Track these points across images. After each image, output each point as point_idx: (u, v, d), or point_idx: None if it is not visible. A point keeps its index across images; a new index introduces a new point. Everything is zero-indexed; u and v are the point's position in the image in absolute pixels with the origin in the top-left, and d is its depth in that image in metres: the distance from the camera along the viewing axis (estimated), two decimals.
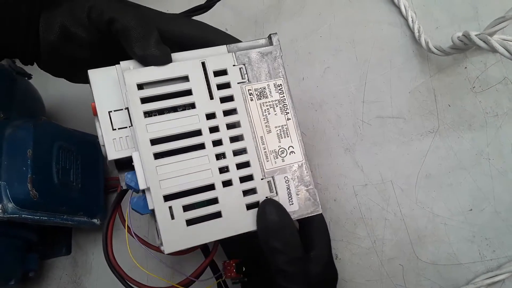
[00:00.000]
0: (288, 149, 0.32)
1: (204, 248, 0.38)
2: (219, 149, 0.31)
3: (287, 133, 0.33)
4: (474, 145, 0.44)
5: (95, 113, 0.31)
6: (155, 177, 0.29)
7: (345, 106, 0.48)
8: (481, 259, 0.41)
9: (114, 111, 0.31)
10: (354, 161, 0.46)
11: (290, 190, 0.32)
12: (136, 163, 0.30)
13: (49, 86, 0.54)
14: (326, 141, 0.48)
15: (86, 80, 0.31)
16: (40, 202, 0.41)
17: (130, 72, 0.31)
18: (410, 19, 0.49)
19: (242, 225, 0.30)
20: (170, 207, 0.29)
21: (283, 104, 0.33)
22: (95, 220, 0.47)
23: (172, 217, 0.29)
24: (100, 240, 0.50)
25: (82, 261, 0.49)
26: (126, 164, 0.31)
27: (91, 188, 0.48)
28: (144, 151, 0.30)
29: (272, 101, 0.33)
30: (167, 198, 0.30)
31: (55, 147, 0.44)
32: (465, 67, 0.47)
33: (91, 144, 0.50)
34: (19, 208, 0.40)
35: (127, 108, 0.31)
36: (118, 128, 0.31)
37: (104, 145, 0.30)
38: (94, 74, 0.31)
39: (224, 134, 0.31)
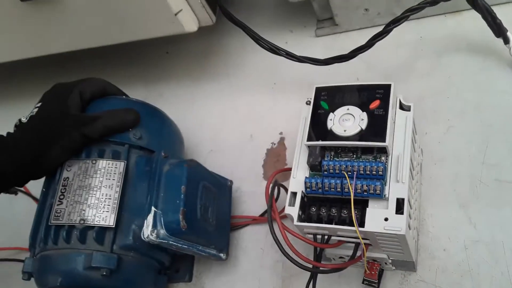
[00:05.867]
0: None
1: None
2: None
3: None
4: None
5: None
6: None
7: (465, 164, 0.52)
8: None
9: None
10: (468, 217, 0.49)
11: None
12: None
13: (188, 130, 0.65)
14: (442, 194, 0.51)
15: None
16: (186, 232, 0.46)
17: None
18: None
19: None
20: None
21: None
22: (221, 254, 0.53)
23: None
24: (218, 272, 0.56)
25: None
26: None
27: (222, 225, 0.54)
28: None
29: None
30: None
31: (200, 186, 0.50)
32: None
33: (224, 186, 0.57)
34: (169, 235, 0.45)
35: None
36: None
37: None
38: None
39: None
